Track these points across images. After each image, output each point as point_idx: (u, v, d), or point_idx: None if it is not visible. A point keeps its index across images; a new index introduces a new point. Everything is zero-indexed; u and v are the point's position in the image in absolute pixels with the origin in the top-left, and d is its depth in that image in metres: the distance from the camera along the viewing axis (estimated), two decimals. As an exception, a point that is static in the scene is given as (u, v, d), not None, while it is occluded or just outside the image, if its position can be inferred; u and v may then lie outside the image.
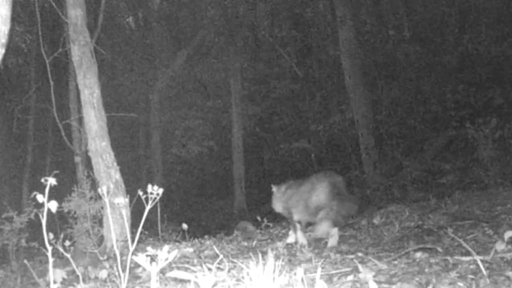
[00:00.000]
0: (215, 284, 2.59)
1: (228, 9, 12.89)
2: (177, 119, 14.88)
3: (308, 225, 4.63)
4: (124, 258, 2.86)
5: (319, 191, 4.36)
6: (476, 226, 4.25)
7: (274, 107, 15.35)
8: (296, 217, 4.56)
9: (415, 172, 9.50)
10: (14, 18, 11.93)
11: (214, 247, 4.06)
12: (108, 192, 4.20)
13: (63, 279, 2.88)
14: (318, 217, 4.29)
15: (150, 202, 2.70)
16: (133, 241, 2.80)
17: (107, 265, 3.38)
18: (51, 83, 6.45)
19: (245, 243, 4.85)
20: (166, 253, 2.57)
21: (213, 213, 13.49)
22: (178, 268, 3.29)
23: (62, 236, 3.92)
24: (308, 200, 4.42)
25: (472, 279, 2.54)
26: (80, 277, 2.97)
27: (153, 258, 2.60)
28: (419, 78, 12.42)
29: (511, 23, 11.60)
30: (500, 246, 2.89)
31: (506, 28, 11.51)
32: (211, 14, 13.38)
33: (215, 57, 15.60)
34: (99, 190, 3.32)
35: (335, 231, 4.26)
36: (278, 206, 4.85)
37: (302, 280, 2.50)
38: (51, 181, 2.37)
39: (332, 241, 4.24)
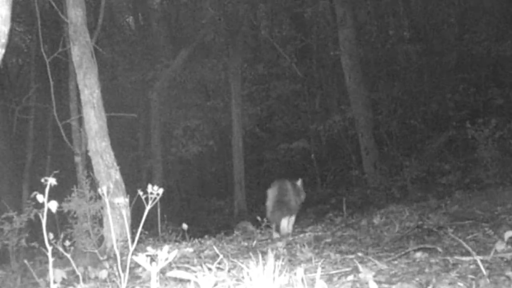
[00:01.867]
0: (215, 284, 2.59)
1: (228, 9, 12.87)
2: (177, 119, 14.86)
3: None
4: (124, 258, 2.86)
5: (269, 195, 5.60)
6: (476, 226, 4.25)
7: (274, 107, 15.34)
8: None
9: (415, 172, 9.50)
10: (14, 18, 11.92)
11: (214, 247, 4.06)
12: (108, 192, 4.20)
13: (63, 279, 2.88)
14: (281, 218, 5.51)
15: (150, 202, 2.70)
16: (133, 241, 2.80)
17: (107, 265, 3.38)
18: (51, 83, 6.45)
19: (245, 243, 4.85)
20: (166, 253, 2.57)
21: (213, 213, 13.48)
22: (178, 268, 3.29)
23: (62, 236, 3.93)
24: (266, 200, 5.65)
25: (472, 279, 2.54)
26: (80, 277, 2.97)
27: (153, 258, 2.60)
28: (419, 78, 12.43)
29: (511, 23, 11.60)
30: (500, 246, 2.89)
31: (506, 28, 11.51)
32: (211, 14, 13.35)
33: (215, 57, 15.59)
34: (99, 190, 3.33)
35: (284, 222, 5.49)
36: None
37: (302, 280, 2.50)
38: (51, 181, 2.37)
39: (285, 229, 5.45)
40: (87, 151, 5.50)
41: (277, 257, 3.14)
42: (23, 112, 11.98)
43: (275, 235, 5.38)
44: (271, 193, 5.59)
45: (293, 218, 5.69)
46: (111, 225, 4.49)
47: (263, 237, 5.32)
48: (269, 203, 5.58)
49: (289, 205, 5.52)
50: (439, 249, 3.38)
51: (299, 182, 5.89)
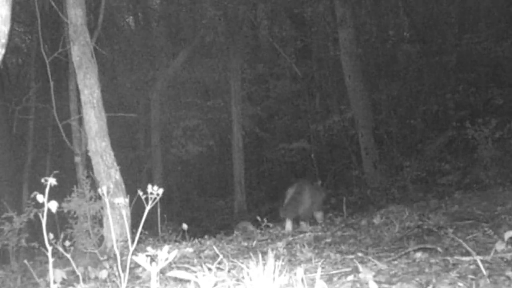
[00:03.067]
0: (215, 284, 2.59)
1: (228, 9, 12.87)
2: (177, 119, 14.86)
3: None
4: (124, 258, 2.86)
5: (287, 193, 6.07)
6: (476, 226, 4.25)
7: (274, 107, 15.33)
8: None
9: (415, 172, 9.49)
10: (14, 18, 11.91)
11: (214, 247, 4.06)
12: (108, 192, 4.20)
13: (63, 279, 2.88)
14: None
15: (150, 202, 2.70)
16: (133, 241, 2.80)
17: (107, 265, 3.37)
18: (51, 83, 6.44)
19: (245, 243, 4.85)
20: (166, 253, 2.57)
21: (213, 213, 13.47)
22: (178, 268, 3.29)
23: (62, 236, 3.93)
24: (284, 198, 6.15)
25: (472, 279, 2.54)
26: (80, 277, 2.97)
27: (153, 258, 2.60)
28: (419, 78, 12.42)
29: (511, 23, 11.60)
30: (500, 246, 2.89)
31: (506, 28, 11.51)
32: (211, 14, 13.34)
33: (215, 57, 15.58)
34: (99, 190, 3.33)
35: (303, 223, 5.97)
36: None
37: (302, 280, 2.50)
38: (51, 181, 2.37)
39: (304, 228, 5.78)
40: (87, 151, 5.50)
41: (277, 257, 3.14)
42: (23, 112, 11.95)
43: (303, 228, 5.81)
44: (289, 192, 6.09)
45: (319, 214, 6.33)
46: (111, 225, 4.49)
47: (263, 237, 5.32)
48: (286, 200, 6.09)
49: (301, 203, 5.98)
50: (439, 249, 3.38)
51: (318, 183, 6.85)
